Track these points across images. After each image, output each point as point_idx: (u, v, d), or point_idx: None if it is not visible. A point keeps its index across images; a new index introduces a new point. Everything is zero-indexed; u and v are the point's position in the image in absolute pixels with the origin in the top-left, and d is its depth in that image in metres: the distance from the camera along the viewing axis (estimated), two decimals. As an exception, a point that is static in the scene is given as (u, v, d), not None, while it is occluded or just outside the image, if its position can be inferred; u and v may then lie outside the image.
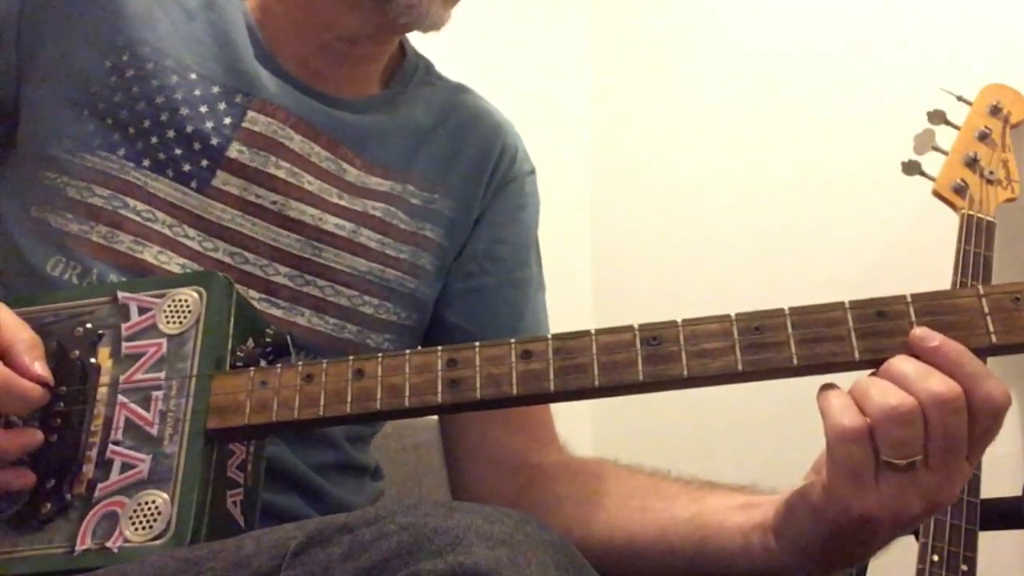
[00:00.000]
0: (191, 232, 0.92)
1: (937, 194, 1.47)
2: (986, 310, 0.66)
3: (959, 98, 1.53)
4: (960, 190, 1.46)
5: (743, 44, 2.06)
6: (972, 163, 1.48)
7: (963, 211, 1.44)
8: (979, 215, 1.43)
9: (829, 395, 0.68)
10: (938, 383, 0.65)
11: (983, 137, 1.50)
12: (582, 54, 2.33)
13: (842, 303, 0.68)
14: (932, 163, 1.49)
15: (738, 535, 0.79)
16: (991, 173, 1.47)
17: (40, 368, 0.74)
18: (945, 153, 1.50)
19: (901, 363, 0.66)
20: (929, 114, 1.52)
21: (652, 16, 2.24)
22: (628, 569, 0.87)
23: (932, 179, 1.48)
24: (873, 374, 0.68)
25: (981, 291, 0.66)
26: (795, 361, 0.67)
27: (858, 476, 0.66)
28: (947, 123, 1.52)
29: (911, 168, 1.50)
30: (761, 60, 2.01)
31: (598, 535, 0.89)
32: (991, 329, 0.66)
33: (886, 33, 1.82)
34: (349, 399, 0.73)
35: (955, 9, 1.74)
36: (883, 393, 0.65)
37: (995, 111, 1.52)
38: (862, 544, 0.71)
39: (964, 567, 1.22)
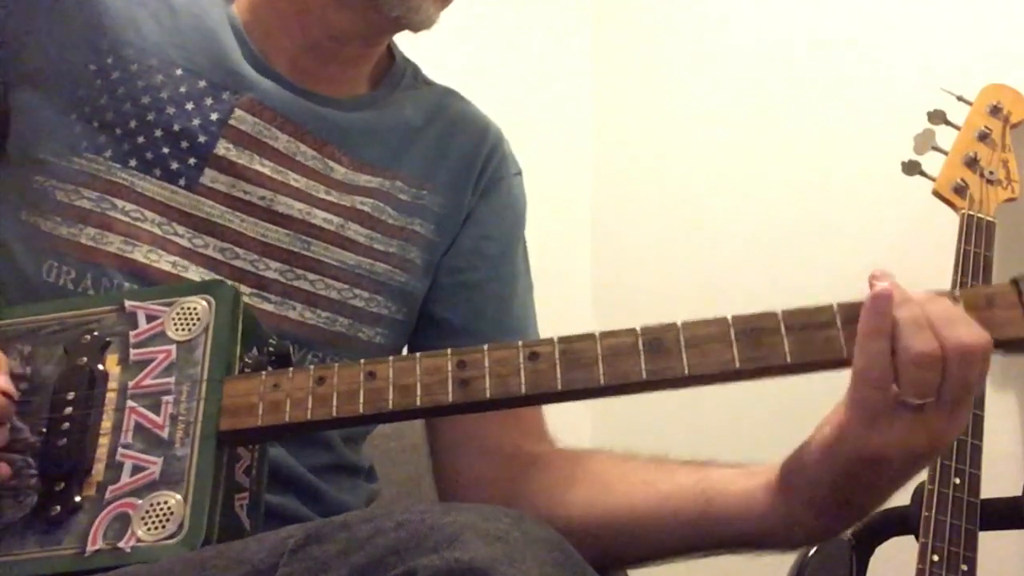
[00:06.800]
0: (180, 229, 0.92)
1: (937, 194, 1.47)
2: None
3: (959, 98, 1.53)
4: (960, 190, 1.46)
5: (743, 44, 2.06)
6: (972, 163, 1.48)
7: (963, 211, 1.44)
8: (979, 215, 1.43)
9: (864, 335, 0.70)
10: (966, 333, 0.69)
11: (983, 137, 1.50)
12: (582, 54, 2.33)
13: (831, 305, 0.72)
14: (932, 163, 1.50)
15: (741, 497, 0.84)
16: (991, 173, 1.47)
17: (2, 381, 0.76)
18: (945, 153, 1.50)
19: (931, 304, 0.70)
20: (929, 114, 1.52)
21: (653, 16, 2.24)
22: (632, 542, 0.90)
23: (932, 179, 1.48)
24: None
25: (956, 294, 0.72)
26: (788, 359, 0.71)
27: (875, 415, 0.70)
28: (947, 123, 1.52)
29: (911, 168, 1.50)
30: (761, 60, 2.02)
31: (600, 510, 0.91)
32: None
33: (886, 33, 1.82)
34: (361, 400, 0.74)
35: (955, 9, 1.74)
36: (912, 337, 0.69)
37: (995, 111, 1.52)
38: (868, 488, 0.75)
39: (964, 567, 1.22)
